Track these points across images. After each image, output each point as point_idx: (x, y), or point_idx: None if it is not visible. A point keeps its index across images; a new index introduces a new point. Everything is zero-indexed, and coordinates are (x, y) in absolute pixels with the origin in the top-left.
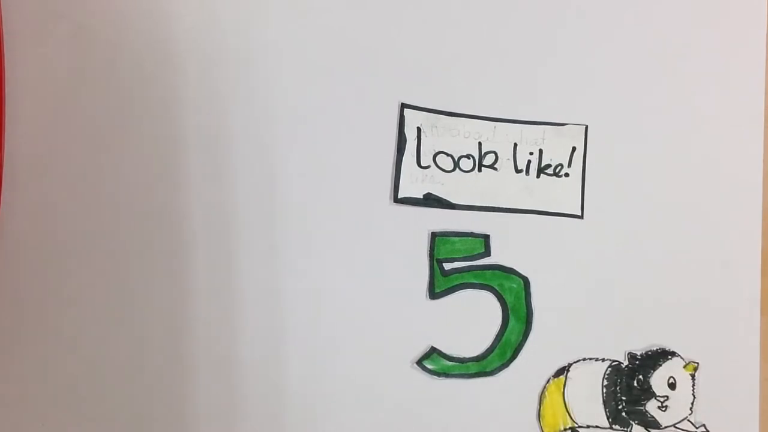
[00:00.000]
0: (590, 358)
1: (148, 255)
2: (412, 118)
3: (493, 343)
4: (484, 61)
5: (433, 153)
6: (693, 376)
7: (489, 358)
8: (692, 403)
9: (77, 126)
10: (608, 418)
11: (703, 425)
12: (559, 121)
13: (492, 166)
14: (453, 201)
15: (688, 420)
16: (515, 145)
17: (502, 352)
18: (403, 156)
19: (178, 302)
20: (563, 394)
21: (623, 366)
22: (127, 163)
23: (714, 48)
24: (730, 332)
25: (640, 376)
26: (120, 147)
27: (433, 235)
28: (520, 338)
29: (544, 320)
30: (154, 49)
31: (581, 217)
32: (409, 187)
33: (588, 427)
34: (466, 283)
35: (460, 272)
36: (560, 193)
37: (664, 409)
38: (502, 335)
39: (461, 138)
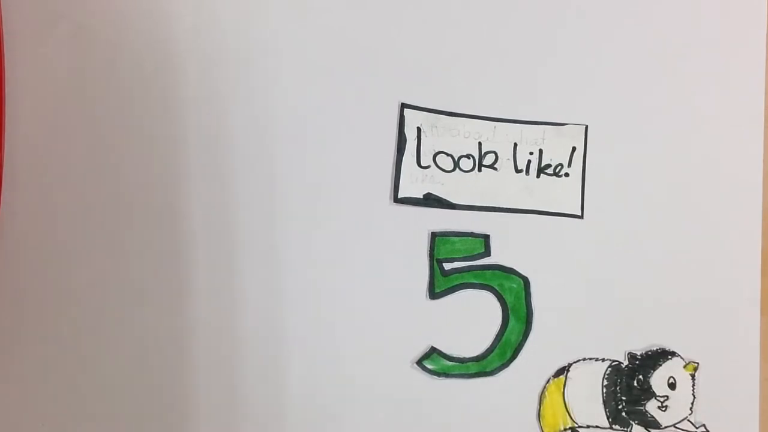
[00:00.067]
0: (590, 358)
1: (148, 255)
2: (412, 118)
3: (493, 343)
4: (484, 61)
5: (433, 153)
6: (693, 376)
7: (489, 358)
8: (692, 403)
9: (77, 126)
10: (608, 418)
11: (703, 425)
12: (559, 121)
13: (492, 166)
14: (453, 201)
15: (688, 420)
16: (515, 145)
17: (502, 352)
18: (403, 156)
19: (178, 302)
20: (563, 394)
21: (623, 366)
22: (127, 163)
23: (714, 48)
24: (730, 332)
25: (640, 376)
26: (120, 147)
27: (433, 235)
28: (520, 338)
29: (544, 320)
30: (154, 49)
31: (581, 217)
32: (409, 187)
33: (588, 427)
34: (466, 283)
35: (460, 272)
36: (560, 193)
37: (664, 409)
38: (502, 335)
39: (461, 138)
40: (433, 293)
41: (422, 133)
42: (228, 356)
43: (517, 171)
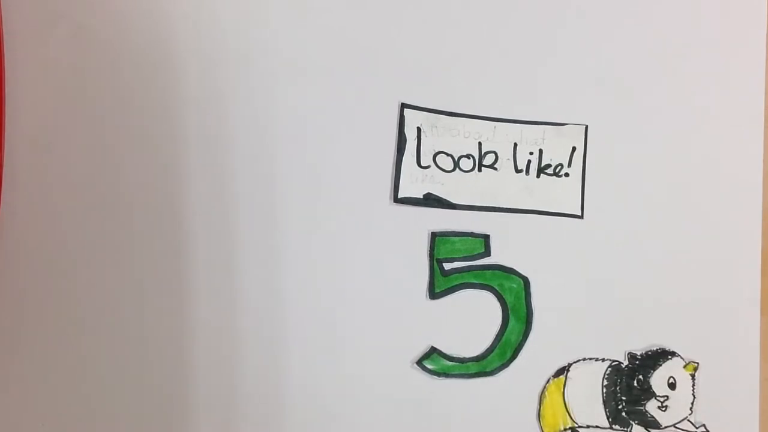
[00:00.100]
0: (590, 358)
1: (148, 255)
2: (412, 118)
3: (493, 343)
4: (484, 61)
5: (433, 153)
6: (693, 376)
7: (489, 358)
8: (692, 403)
9: (77, 126)
10: (608, 418)
11: (703, 425)
12: (559, 121)
13: (492, 166)
14: (453, 201)
15: (688, 420)
16: (515, 145)
17: (502, 352)
18: (403, 156)
19: (178, 302)
20: (563, 394)
21: (623, 366)
22: (127, 163)
23: (714, 48)
24: (730, 332)
25: (640, 376)
26: (120, 147)
27: (433, 235)
28: (520, 338)
29: (544, 320)
30: (154, 49)
31: (581, 217)
32: (409, 187)
33: (588, 427)
34: (466, 283)
35: (460, 272)
36: (560, 193)
37: (664, 409)
38: (502, 335)
39: (461, 138)
40: (433, 293)
41: (422, 133)
42: (228, 356)
43: (517, 171)
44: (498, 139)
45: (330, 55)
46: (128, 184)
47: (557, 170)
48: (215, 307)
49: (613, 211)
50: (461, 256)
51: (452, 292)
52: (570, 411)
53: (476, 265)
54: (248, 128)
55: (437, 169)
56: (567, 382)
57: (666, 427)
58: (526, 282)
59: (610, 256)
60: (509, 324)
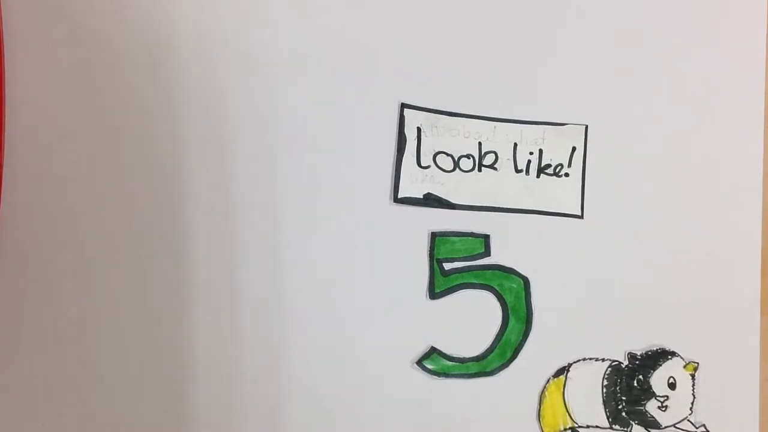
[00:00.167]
0: (590, 358)
1: (148, 255)
2: (412, 118)
3: (493, 343)
4: (484, 61)
5: (433, 153)
6: (693, 376)
7: (489, 358)
8: (692, 403)
9: (77, 126)
10: (608, 418)
11: (703, 425)
12: (559, 121)
13: (492, 166)
14: (453, 201)
15: (688, 420)
16: (515, 145)
17: (502, 352)
18: (403, 156)
19: (178, 302)
20: (563, 394)
21: (623, 366)
22: (127, 163)
23: (714, 48)
24: (730, 332)
25: (640, 376)
26: (120, 147)
27: (433, 235)
28: (520, 338)
29: (544, 320)
30: (154, 49)
31: (581, 217)
32: (409, 187)
33: (588, 427)
34: (466, 283)
35: (460, 272)
36: (560, 193)
37: (664, 409)
38: (502, 335)
39: (461, 138)
40: (433, 293)
41: (422, 133)
42: (228, 356)
43: (517, 171)
44: (498, 139)
45: (330, 55)
46: (128, 184)
47: (557, 170)
48: (215, 307)
49: (613, 211)
50: (461, 256)
51: (452, 292)
52: (570, 411)
53: (476, 265)
54: (248, 128)
55: (437, 169)
56: (567, 382)
57: (666, 427)
58: (526, 282)
59: (610, 256)
60: (509, 324)
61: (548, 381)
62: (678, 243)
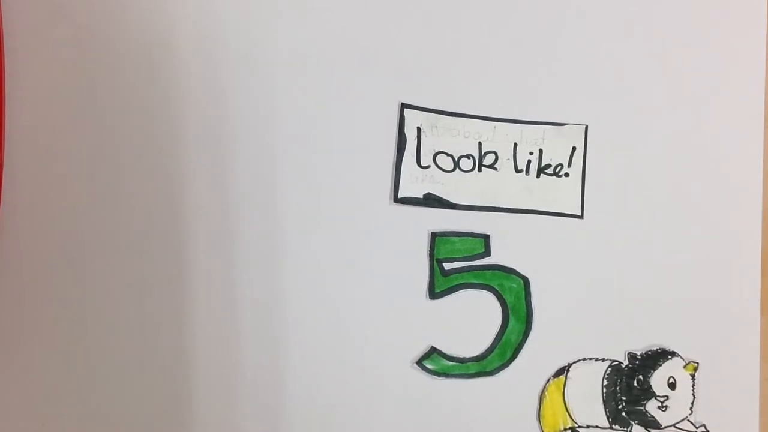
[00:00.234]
0: (590, 358)
1: (148, 255)
2: (412, 118)
3: (493, 343)
4: (484, 61)
5: (433, 153)
6: (693, 376)
7: (489, 358)
8: (692, 403)
9: (77, 126)
10: (608, 418)
11: (703, 425)
12: (559, 121)
13: (492, 166)
14: (453, 201)
15: (688, 420)
16: (515, 145)
17: (502, 352)
18: (403, 156)
19: (177, 302)
20: (563, 394)
21: (623, 366)
22: (128, 163)
23: (714, 48)
24: (730, 332)
25: (640, 376)
26: (120, 147)
27: (433, 235)
28: (520, 338)
29: (544, 320)
30: (155, 49)
31: (581, 217)
32: (409, 187)
33: (588, 427)
34: (466, 283)
35: (460, 272)
36: (560, 193)
37: (664, 409)
38: (502, 335)
39: (461, 138)
40: (433, 293)
41: (422, 133)
42: (228, 356)
43: (517, 171)
44: (498, 139)
45: (330, 55)
46: (128, 184)
47: (557, 170)
48: (215, 307)
49: (613, 211)
50: (461, 256)
51: (452, 292)
52: (570, 411)
53: (476, 265)
54: (249, 128)
55: (437, 169)
56: (567, 382)
57: (666, 427)
58: (526, 282)
59: (610, 256)
60: (509, 324)
61: (548, 381)
62: (678, 243)
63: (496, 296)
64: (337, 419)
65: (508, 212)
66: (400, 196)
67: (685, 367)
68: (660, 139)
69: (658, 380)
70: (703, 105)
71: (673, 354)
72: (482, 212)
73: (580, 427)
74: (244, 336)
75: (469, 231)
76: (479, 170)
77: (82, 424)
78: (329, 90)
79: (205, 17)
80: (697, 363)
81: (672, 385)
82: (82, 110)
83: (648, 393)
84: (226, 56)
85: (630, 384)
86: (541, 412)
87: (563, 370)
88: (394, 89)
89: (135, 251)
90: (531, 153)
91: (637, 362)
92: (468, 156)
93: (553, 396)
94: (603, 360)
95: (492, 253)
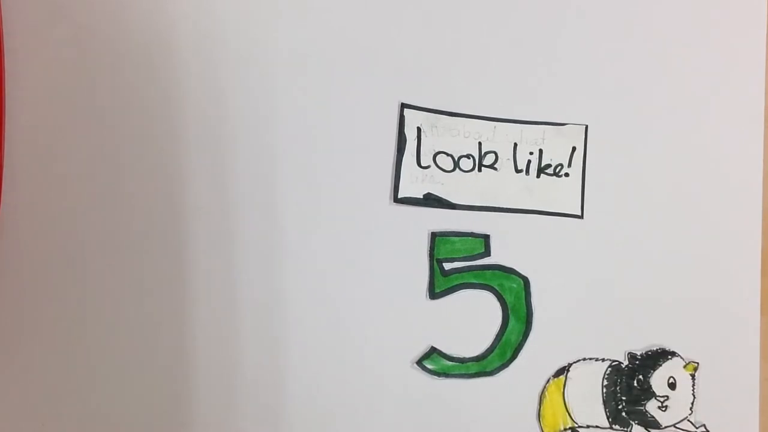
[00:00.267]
0: (590, 358)
1: (148, 255)
2: (412, 118)
3: (493, 343)
4: (484, 61)
5: (433, 153)
6: (693, 376)
7: (489, 358)
8: (692, 403)
9: (77, 126)
10: (608, 418)
11: (703, 425)
12: (559, 121)
13: (492, 166)
14: (453, 201)
15: (688, 420)
16: (515, 145)
17: (502, 352)
18: (403, 156)
19: (177, 302)
20: (563, 394)
21: (623, 366)
22: (127, 163)
23: (714, 48)
24: (730, 332)
25: (640, 376)
26: (120, 147)
27: (433, 235)
28: (520, 338)
29: (544, 320)
30: (155, 49)
31: (581, 217)
32: (409, 187)
33: (588, 427)
34: (466, 283)
35: (460, 272)
36: (560, 193)
37: (664, 409)
38: (502, 335)
39: (461, 138)
40: (433, 293)
41: (422, 133)
42: (228, 356)
43: (517, 171)
44: (498, 139)
45: (330, 55)
46: (128, 184)
47: (557, 170)
48: (215, 307)
49: (613, 211)
50: (461, 256)
51: (452, 292)
52: (570, 411)
53: (476, 265)
54: (248, 128)
55: (437, 169)
56: (567, 382)
57: (666, 427)
58: (526, 282)
59: (610, 256)
60: (509, 324)
61: (548, 381)
62: (678, 243)
63: (496, 296)
64: (337, 419)
65: (508, 212)
66: (400, 196)
67: (685, 367)
68: (660, 139)
69: (658, 380)
70: (703, 105)
71: (673, 354)
72: (482, 212)
73: (580, 427)
74: (244, 336)
75: (469, 231)
76: (479, 170)
77: (82, 424)
78: (329, 90)
79: (205, 17)
80: (697, 363)
81: (672, 385)
82: (82, 110)
83: (648, 393)
84: (226, 56)
85: (630, 384)
86: (541, 412)
87: (563, 370)
88: (394, 89)
89: (135, 251)
90: (531, 153)
91: (637, 362)
92: (468, 156)
93: (553, 396)
94: (603, 360)
95: (492, 253)
